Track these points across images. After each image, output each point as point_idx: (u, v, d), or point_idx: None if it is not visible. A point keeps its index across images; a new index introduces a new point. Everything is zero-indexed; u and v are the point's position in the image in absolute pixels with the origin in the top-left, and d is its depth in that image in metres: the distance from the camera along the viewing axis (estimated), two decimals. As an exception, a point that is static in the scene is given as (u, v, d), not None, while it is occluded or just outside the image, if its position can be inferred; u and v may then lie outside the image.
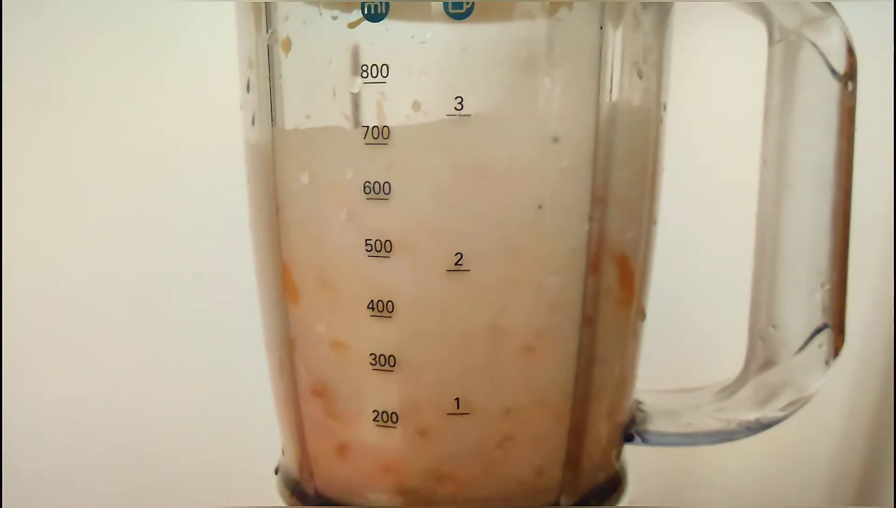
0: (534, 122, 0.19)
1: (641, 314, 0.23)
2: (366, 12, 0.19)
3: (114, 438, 0.37)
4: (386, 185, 0.19)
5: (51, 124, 0.34)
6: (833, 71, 0.21)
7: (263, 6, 0.20)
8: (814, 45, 0.21)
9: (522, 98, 0.19)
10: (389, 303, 0.20)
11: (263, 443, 0.25)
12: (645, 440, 0.24)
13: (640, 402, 0.25)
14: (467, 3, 0.18)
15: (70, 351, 0.36)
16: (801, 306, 0.22)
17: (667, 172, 0.23)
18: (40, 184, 0.34)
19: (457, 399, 0.20)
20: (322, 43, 0.19)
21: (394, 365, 0.20)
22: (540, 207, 0.19)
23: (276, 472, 0.25)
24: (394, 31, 0.19)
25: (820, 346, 0.22)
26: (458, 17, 0.18)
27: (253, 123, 0.21)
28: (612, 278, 0.21)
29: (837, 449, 0.36)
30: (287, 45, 0.20)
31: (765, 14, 0.22)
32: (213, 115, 0.28)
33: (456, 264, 0.19)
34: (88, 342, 0.36)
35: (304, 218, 0.21)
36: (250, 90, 0.21)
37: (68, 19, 0.33)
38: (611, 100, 0.20)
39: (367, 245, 0.19)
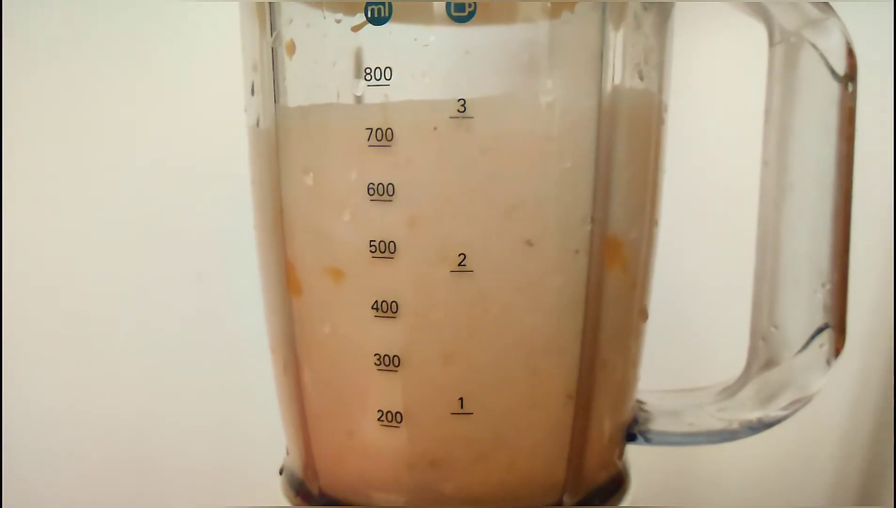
0: (536, 123, 0.19)
1: (644, 315, 0.24)
2: (369, 15, 0.19)
3: (117, 440, 0.37)
4: (390, 186, 0.19)
5: (51, 126, 0.34)
6: (833, 72, 0.21)
7: (267, 9, 0.20)
8: (814, 46, 0.21)
9: (524, 100, 0.19)
10: (394, 303, 0.20)
11: (268, 444, 0.26)
12: (647, 440, 0.24)
13: (642, 402, 0.25)
14: (470, 5, 0.18)
15: (72, 354, 0.36)
16: (802, 307, 0.23)
17: (668, 173, 0.23)
18: (41, 186, 0.34)
19: (460, 399, 0.20)
20: (326, 46, 0.20)
21: (398, 365, 0.20)
22: (542, 208, 0.20)
23: (281, 472, 0.25)
24: (397, 34, 0.19)
25: (821, 346, 0.22)
26: (461, 20, 0.19)
27: (257, 125, 0.21)
28: (614, 278, 0.21)
29: (839, 449, 0.36)
30: (291, 47, 0.20)
31: (765, 16, 0.22)
32: (217, 116, 0.28)
33: (459, 264, 0.19)
34: (90, 344, 0.36)
35: (308, 219, 0.21)
36: (254, 93, 0.21)
37: (69, 21, 0.33)
38: (612, 101, 0.20)
39: (371, 246, 0.19)
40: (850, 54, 0.21)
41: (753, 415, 0.23)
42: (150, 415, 0.36)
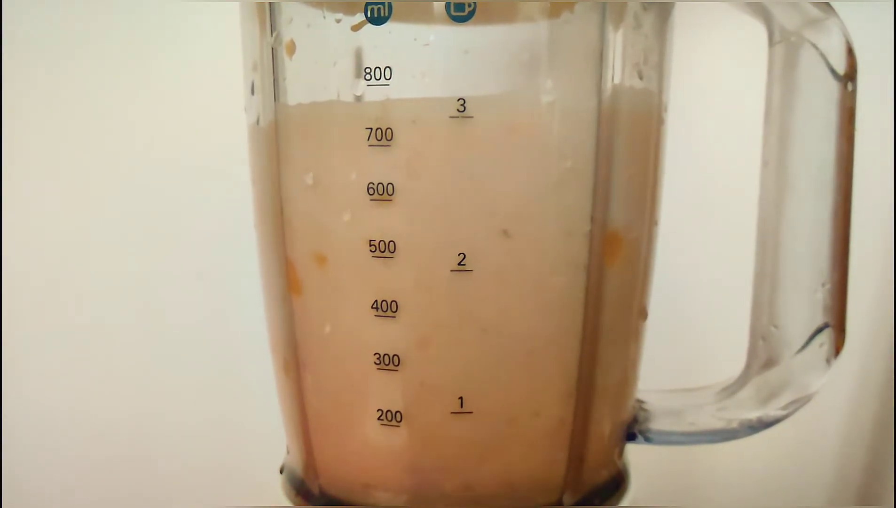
0: (536, 123, 0.19)
1: (643, 314, 0.24)
2: (369, 15, 0.19)
3: (117, 440, 0.37)
4: (389, 186, 0.19)
5: (52, 125, 0.34)
6: (833, 72, 0.21)
7: (267, 9, 0.20)
8: (814, 46, 0.21)
9: (524, 100, 0.19)
10: (393, 303, 0.20)
11: (268, 443, 0.26)
12: (647, 439, 0.24)
13: (642, 401, 0.25)
14: (469, 5, 0.18)
15: (72, 354, 0.36)
16: (802, 306, 0.23)
17: (668, 173, 0.23)
18: (41, 186, 0.34)
19: (460, 399, 0.20)
20: (326, 46, 0.20)
21: (398, 365, 0.20)
22: (542, 208, 0.20)
23: (281, 471, 0.25)
24: (397, 33, 0.19)
25: (821, 345, 0.22)
26: (461, 20, 0.19)
27: (258, 124, 0.21)
28: (614, 278, 0.21)
29: (839, 449, 0.36)
30: (291, 47, 0.20)
31: (765, 15, 0.22)
32: (217, 116, 0.28)
33: (459, 264, 0.19)
34: (90, 344, 0.36)
35: (308, 219, 0.21)
36: (254, 92, 0.21)
37: (69, 21, 0.33)
38: (612, 101, 0.20)
39: (370, 246, 0.19)
40: (850, 54, 0.21)
41: (753, 415, 0.23)
42: (150, 415, 0.36)
